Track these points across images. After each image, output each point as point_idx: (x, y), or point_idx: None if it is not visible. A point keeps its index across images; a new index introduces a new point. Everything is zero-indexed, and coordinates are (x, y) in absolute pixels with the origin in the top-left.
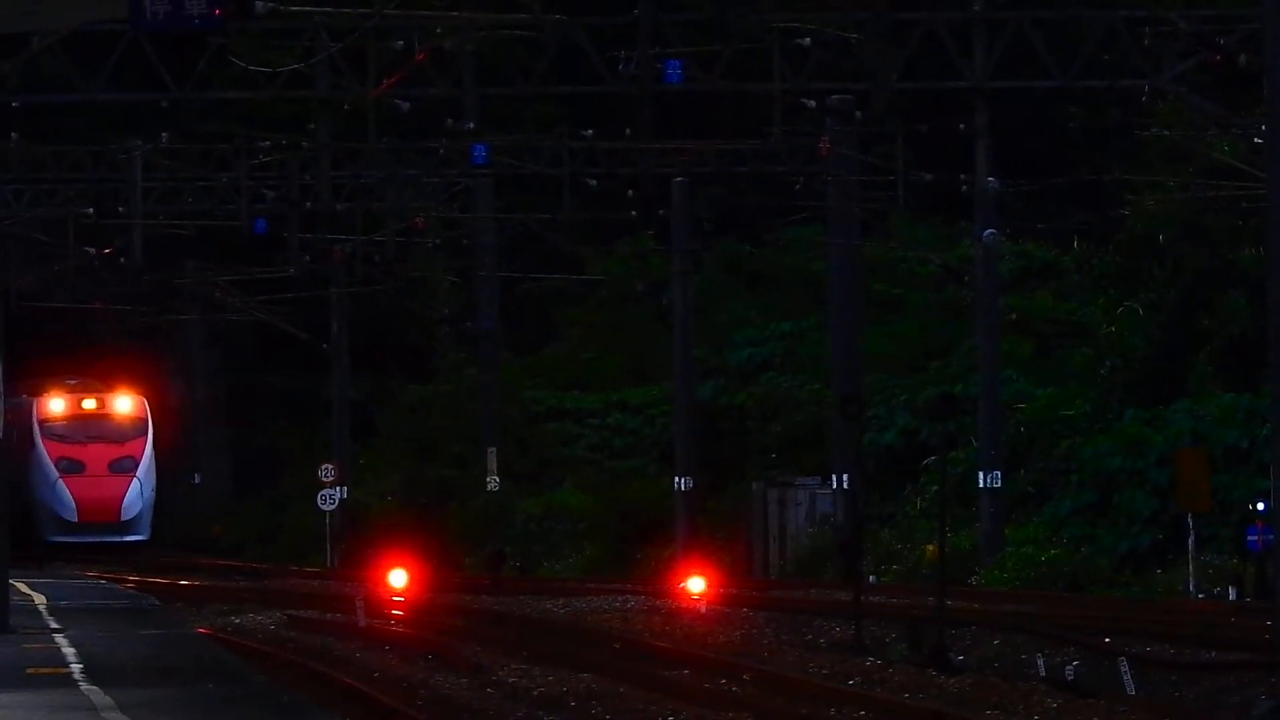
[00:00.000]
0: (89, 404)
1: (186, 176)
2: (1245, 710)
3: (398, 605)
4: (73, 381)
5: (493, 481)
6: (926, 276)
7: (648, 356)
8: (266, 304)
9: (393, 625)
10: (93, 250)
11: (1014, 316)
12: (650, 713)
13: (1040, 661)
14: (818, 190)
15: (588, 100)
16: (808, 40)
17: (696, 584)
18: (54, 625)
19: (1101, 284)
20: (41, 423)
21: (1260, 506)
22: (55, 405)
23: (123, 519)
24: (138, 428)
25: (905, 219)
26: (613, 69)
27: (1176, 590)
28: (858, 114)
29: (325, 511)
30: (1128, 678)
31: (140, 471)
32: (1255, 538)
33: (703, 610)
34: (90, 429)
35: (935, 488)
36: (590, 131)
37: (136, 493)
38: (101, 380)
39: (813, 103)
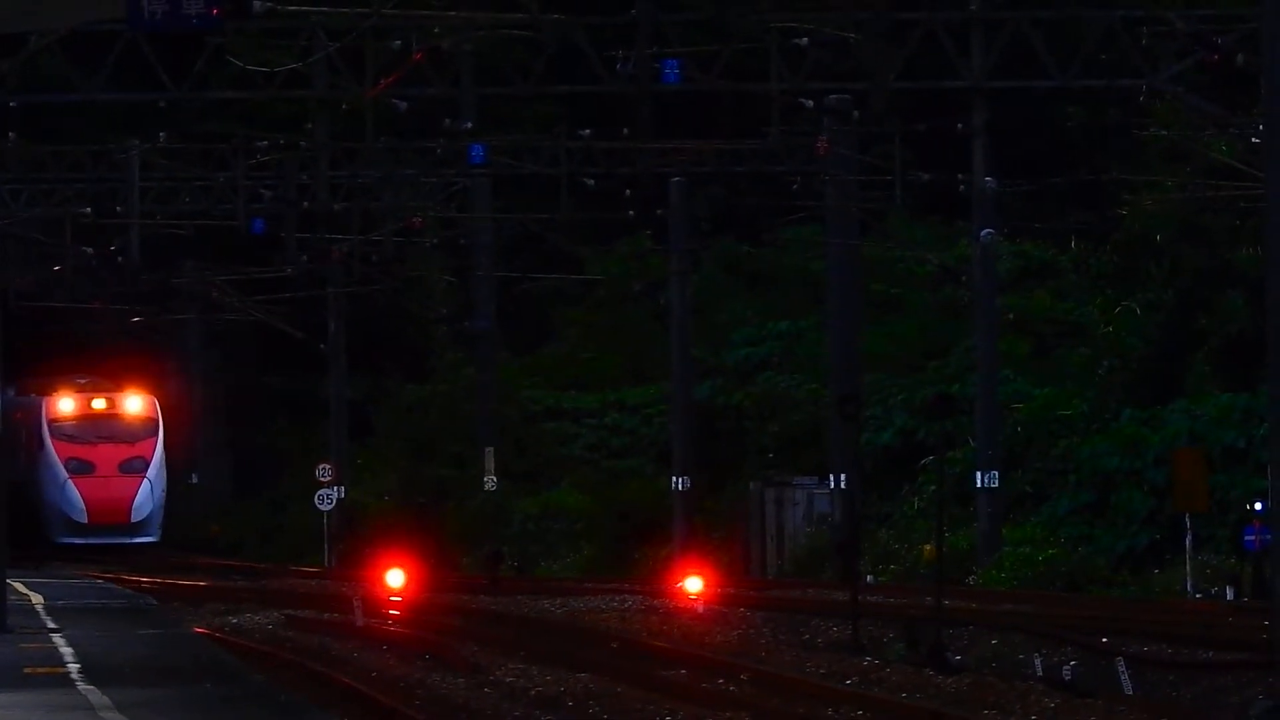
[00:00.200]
0: (99, 404)
1: (184, 176)
2: (1243, 710)
3: (395, 605)
4: (83, 381)
5: (490, 481)
6: (924, 276)
7: (646, 356)
8: (264, 304)
9: (390, 625)
10: (91, 250)
11: (1012, 316)
12: (648, 712)
13: (1038, 661)
14: (816, 190)
15: (586, 100)
16: (806, 40)
17: (694, 584)
18: (51, 625)
19: (1099, 284)
20: (51, 422)
21: (1258, 506)
22: (65, 405)
23: (133, 520)
24: (148, 428)
25: (903, 219)
26: (611, 69)
27: (1174, 590)
28: (856, 114)
29: (323, 511)
30: (1125, 677)
31: (151, 472)
32: (1253, 537)
33: (700, 610)
34: (100, 429)
35: (933, 487)
36: (588, 131)
37: (147, 494)
38: (111, 379)
39: (811, 102)
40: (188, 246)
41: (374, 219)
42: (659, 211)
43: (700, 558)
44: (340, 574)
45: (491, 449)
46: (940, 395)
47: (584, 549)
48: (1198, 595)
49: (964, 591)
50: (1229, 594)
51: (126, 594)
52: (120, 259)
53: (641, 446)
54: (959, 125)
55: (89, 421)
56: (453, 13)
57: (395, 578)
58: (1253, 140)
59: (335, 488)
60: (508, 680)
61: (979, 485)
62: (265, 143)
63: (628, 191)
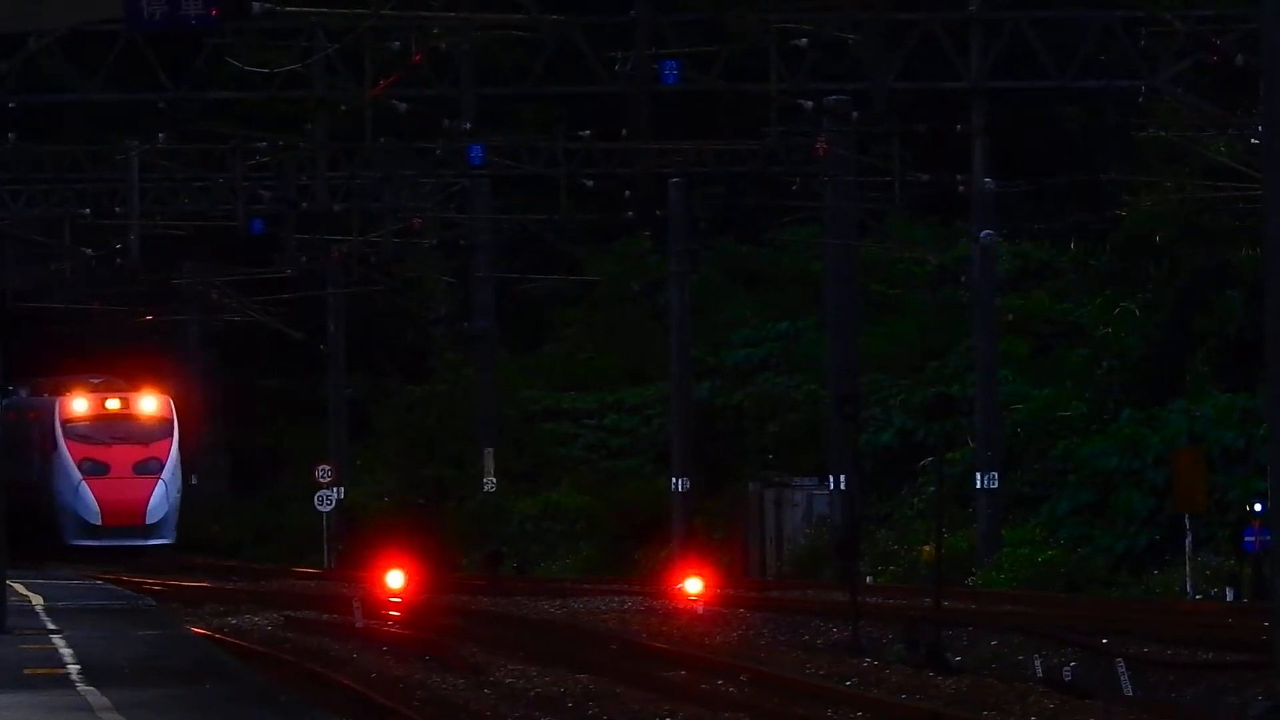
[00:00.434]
0: (113, 404)
1: (184, 177)
2: (1242, 711)
3: (395, 606)
4: (97, 381)
5: (489, 482)
6: (923, 276)
7: (645, 357)
8: (263, 304)
9: (390, 626)
10: (90, 250)
11: (1011, 317)
12: (647, 713)
13: (1037, 662)
14: (815, 190)
15: (585, 100)
16: (805, 40)
17: (693, 584)
18: (51, 626)
19: (1098, 284)
20: (64, 423)
21: (1257, 507)
22: (78, 405)
23: (148, 522)
24: (163, 428)
25: (902, 219)
26: (610, 69)
27: (1173, 591)
28: (855, 114)
29: (322, 512)
30: (1125, 678)
31: (166, 473)
32: (1252, 538)
33: (700, 611)
34: (114, 429)
35: (932, 488)
36: (587, 132)
37: (162, 495)
38: (126, 379)
39: (810, 103)
40: (187, 247)
41: (373, 219)
42: (658, 212)
43: (700, 558)
44: (340, 575)
45: (491, 449)
46: (940, 396)
47: (583, 550)
48: (1197, 596)
49: (963, 592)
50: (1229, 595)
51: (126, 595)
52: (119, 259)
53: (641, 447)
54: (958, 126)
55: (103, 422)
56: (452, 14)
57: (395, 578)
58: (1252, 141)
59: (335, 488)
60: (507, 681)
61: (978, 486)
62: (264, 143)
63: (627, 192)
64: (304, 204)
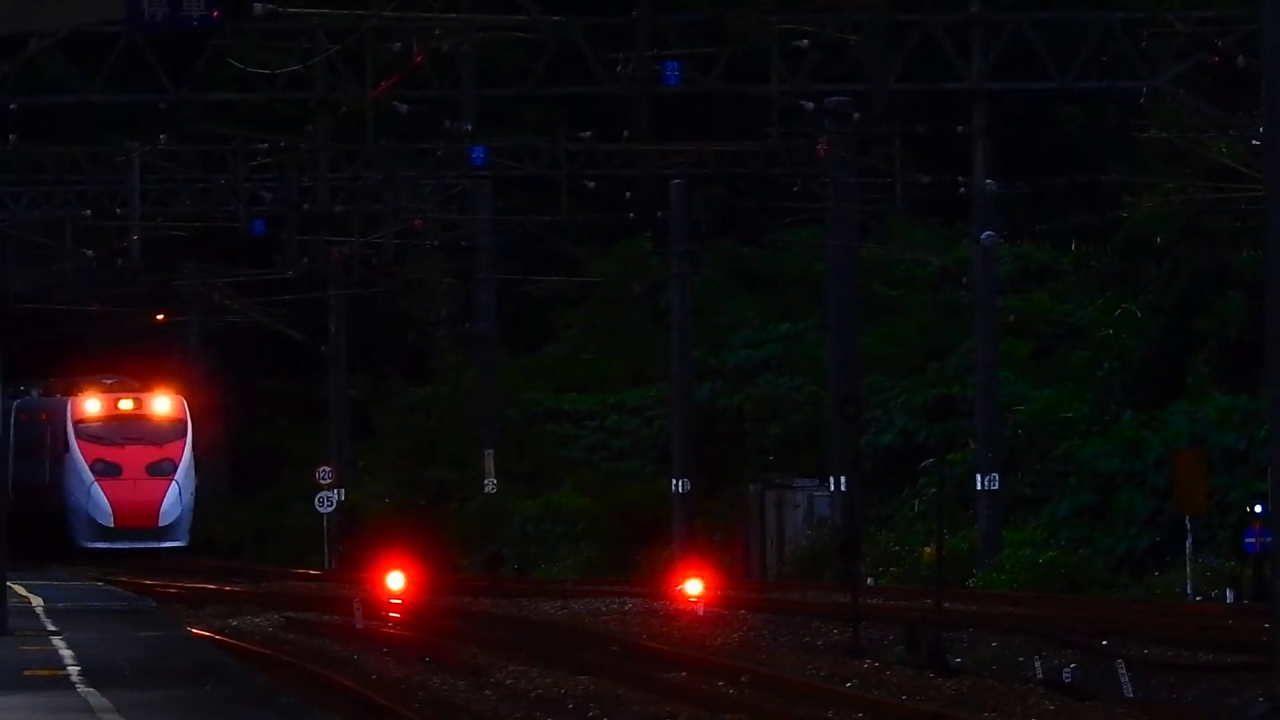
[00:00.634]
0: (126, 404)
1: (184, 178)
2: (1243, 712)
3: (395, 607)
4: (109, 381)
5: (490, 483)
6: (924, 278)
7: (646, 358)
8: (264, 305)
9: (390, 627)
10: (91, 252)
11: (1012, 318)
12: (648, 715)
13: (1038, 663)
14: (816, 192)
15: (586, 102)
16: (805, 42)
17: (694, 586)
18: (51, 627)
19: (1099, 286)
20: (76, 424)
21: (1258, 508)
22: (91, 405)
23: (161, 524)
24: (177, 429)
25: (903, 220)
26: (611, 70)
27: (1174, 592)
28: (856, 115)
29: (323, 513)
30: (1125, 680)
31: (179, 475)
32: (1253, 540)
33: (700, 612)
34: (127, 430)
35: (933, 489)
36: (588, 133)
37: (175, 497)
38: (139, 379)
39: (811, 104)
40: (188, 248)
41: (374, 221)
42: (659, 213)
43: (700, 560)
44: (340, 576)
45: (492, 451)
46: (940, 397)
47: (584, 551)
48: (1198, 597)
49: (964, 594)
50: (1229, 596)
51: (127, 596)
52: (120, 261)
53: (642, 448)
54: (959, 127)
55: (116, 422)
56: (453, 15)
57: (395, 580)
58: (1253, 142)
59: (335, 489)
60: (508, 682)
61: (979, 487)
62: (265, 144)
63: (628, 193)
64: (305, 205)
